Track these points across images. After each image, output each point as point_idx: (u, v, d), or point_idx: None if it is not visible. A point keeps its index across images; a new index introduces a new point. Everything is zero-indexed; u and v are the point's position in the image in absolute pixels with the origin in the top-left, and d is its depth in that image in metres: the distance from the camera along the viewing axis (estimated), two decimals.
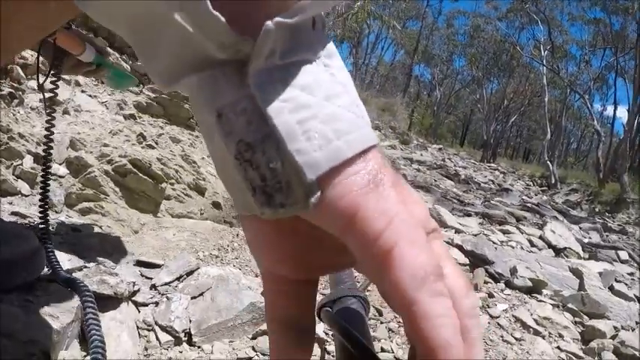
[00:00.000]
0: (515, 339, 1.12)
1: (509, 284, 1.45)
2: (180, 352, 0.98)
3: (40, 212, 1.06)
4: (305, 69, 0.27)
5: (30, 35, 0.78)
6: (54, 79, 1.04)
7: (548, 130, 12.81)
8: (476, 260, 1.56)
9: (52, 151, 1.05)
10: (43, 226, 1.05)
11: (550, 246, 2.16)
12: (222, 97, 0.26)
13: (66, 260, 1.03)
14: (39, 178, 1.63)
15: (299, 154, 0.24)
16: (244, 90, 0.25)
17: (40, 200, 1.07)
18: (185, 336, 1.02)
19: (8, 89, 1.82)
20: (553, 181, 9.58)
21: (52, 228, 1.40)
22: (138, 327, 1.02)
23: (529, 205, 3.96)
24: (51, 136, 1.04)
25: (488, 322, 1.18)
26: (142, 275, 1.21)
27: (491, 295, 1.34)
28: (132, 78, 1.76)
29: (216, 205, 2.20)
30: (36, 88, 2.00)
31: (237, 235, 1.59)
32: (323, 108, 0.26)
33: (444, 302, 0.23)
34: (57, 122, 1.92)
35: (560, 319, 1.24)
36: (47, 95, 1.03)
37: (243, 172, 0.25)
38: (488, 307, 1.26)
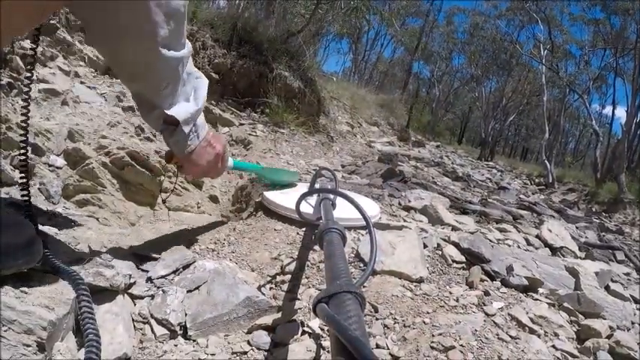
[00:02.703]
0: (511, 337, 1.12)
1: (505, 282, 1.45)
2: (176, 345, 0.98)
3: (24, 202, 1.05)
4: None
5: (30, 21, 0.80)
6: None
7: (547, 129, 12.81)
8: (472, 258, 1.56)
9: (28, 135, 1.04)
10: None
11: (546, 245, 2.16)
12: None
13: (62, 252, 1.03)
14: (37, 169, 1.62)
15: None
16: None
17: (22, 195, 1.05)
18: (180, 329, 1.02)
19: (7, 79, 1.81)
20: (550, 181, 9.59)
21: (49, 219, 1.40)
22: (133, 320, 1.02)
23: (526, 203, 3.97)
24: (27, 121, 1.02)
25: (484, 320, 1.18)
26: (138, 268, 1.21)
27: (487, 293, 1.34)
28: (293, 175, 1.96)
29: (214, 198, 2.20)
30: (35, 78, 2.00)
31: (234, 229, 1.58)
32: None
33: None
34: (55, 113, 1.92)
35: (555, 318, 1.24)
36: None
37: None
38: (484, 305, 1.26)
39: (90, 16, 0.89)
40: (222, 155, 1.33)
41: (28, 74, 1.01)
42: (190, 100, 1.12)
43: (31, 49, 1.05)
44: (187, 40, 1.03)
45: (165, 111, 1.05)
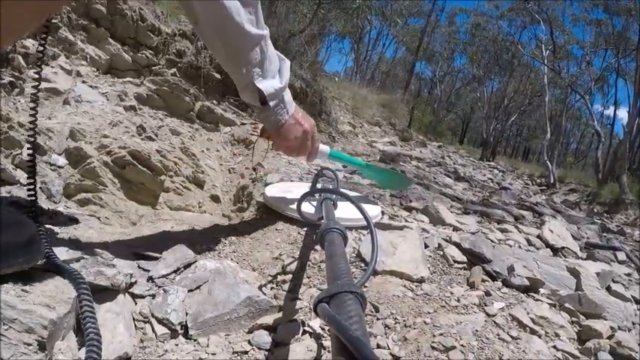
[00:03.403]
0: (512, 337, 1.12)
1: (506, 283, 1.45)
2: (176, 344, 0.98)
3: (30, 201, 1.08)
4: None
5: (31, 22, 0.80)
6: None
7: (548, 129, 12.79)
8: (473, 258, 1.56)
9: (37, 136, 1.14)
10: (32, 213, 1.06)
11: (548, 245, 2.16)
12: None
13: (63, 251, 1.03)
14: (38, 168, 1.62)
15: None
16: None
17: (27, 190, 1.09)
18: (181, 329, 1.02)
19: (9, 78, 1.81)
20: (552, 181, 9.57)
21: (50, 218, 1.40)
22: (134, 319, 1.02)
23: (528, 204, 3.96)
24: (35, 122, 1.10)
25: (485, 321, 1.18)
26: (139, 267, 1.21)
27: (488, 294, 1.34)
28: (408, 182, 2.02)
29: (215, 198, 2.20)
30: (37, 77, 1.99)
31: (235, 228, 1.58)
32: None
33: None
34: (57, 112, 1.93)
35: (556, 319, 1.24)
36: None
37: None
38: (485, 306, 1.26)
39: (195, 14, 1.08)
40: (310, 134, 1.43)
41: (36, 76, 1.10)
42: (276, 77, 1.25)
43: (38, 51, 1.12)
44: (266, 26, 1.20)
45: (255, 82, 1.19)
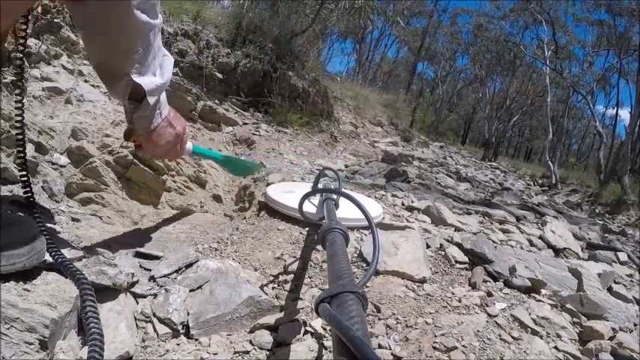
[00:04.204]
0: (513, 338, 1.12)
1: (507, 283, 1.45)
2: (178, 344, 0.98)
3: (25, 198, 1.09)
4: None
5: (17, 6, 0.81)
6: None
7: (550, 130, 12.76)
8: (475, 259, 1.56)
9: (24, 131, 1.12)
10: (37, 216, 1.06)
11: (550, 246, 2.16)
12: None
13: (65, 250, 1.03)
14: (40, 167, 1.62)
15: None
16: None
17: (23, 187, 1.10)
18: (183, 328, 1.02)
19: (11, 77, 1.81)
20: (554, 182, 9.55)
21: (52, 217, 1.40)
22: (136, 318, 1.02)
23: (529, 204, 3.96)
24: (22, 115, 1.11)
25: (486, 321, 1.18)
26: (140, 267, 1.21)
27: (489, 294, 1.34)
28: (249, 168, 2.01)
29: (217, 198, 2.20)
30: (38, 76, 2.00)
31: (237, 228, 1.58)
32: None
33: None
34: (59, 112, 1.93)
35: (558, 319, 1.24)
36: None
37: None
38: (487, 306, 1.26)
39: None
40: (182, 137, 1.30)
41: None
42: (157, 74, 1.11)
43: (19, 43, 1.09)
44: (160, 15, 1.05)
45: (133, 77, 1.04)
